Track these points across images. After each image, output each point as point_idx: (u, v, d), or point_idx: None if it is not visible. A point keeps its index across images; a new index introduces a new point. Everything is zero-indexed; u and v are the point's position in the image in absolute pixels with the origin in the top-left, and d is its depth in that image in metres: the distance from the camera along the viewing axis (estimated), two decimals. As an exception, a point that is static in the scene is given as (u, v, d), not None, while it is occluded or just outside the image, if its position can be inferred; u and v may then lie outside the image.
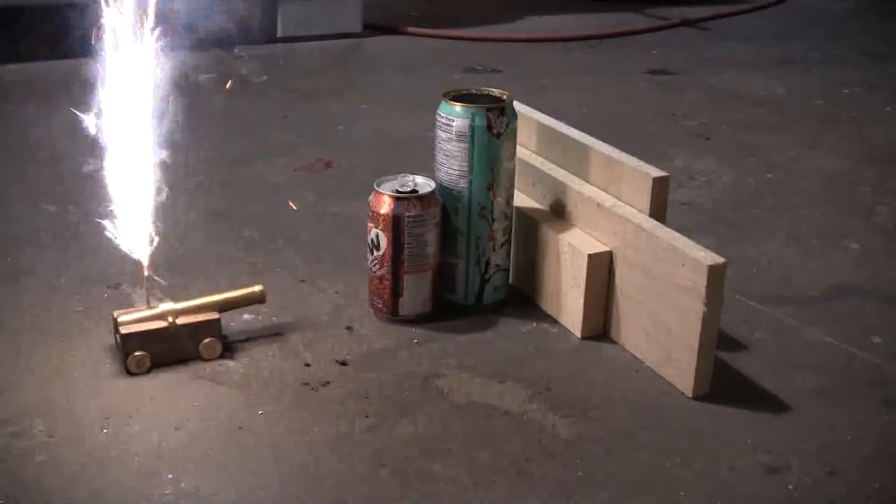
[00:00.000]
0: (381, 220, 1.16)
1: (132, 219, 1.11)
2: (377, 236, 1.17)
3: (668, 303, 1.06)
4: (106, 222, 1.11)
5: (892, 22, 3.20)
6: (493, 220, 1.20)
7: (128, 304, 1.22)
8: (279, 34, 2.63)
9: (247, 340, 1.15)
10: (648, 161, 1.16)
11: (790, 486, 0.92)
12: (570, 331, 1.18)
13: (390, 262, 1.17)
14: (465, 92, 1.21)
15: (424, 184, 1.19)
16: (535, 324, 1.21)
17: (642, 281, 1.10)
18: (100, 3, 1.02)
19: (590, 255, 1.13)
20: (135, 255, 1.13)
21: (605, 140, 1.23)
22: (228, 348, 1.12)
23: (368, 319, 1.21)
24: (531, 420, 1.02)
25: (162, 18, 1.05)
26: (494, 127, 1.15)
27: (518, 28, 2.94)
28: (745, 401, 1.06)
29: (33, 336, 1.15)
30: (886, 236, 1.48)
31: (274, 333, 1.17)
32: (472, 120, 1.15)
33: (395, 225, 1.15)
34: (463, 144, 1.16)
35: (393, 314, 1.19)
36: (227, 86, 2.23)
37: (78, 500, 0.89)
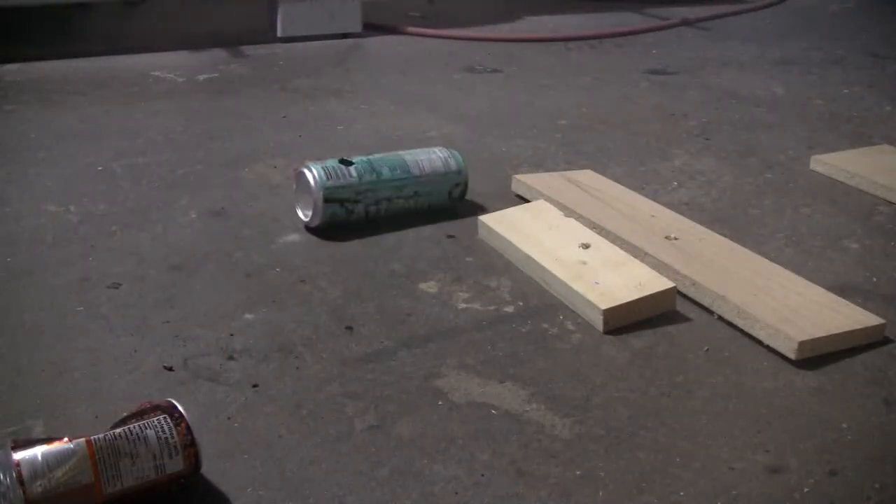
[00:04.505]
0: None
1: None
2: None
3: None
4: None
5: (892, 22, 3.20)
6: None
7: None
8: (279, 34, 2.63)
9: (246, 340, 1.15)
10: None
11: (790, 486, 0.92)
12: (569, 330, 1.19)
13: None
14: None
15: None
16: (535, 324, 1.21)
17: None
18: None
19: None
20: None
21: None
22: (229, 348, 1.12)
23: (369, 319, 1.21)
24: (531, 420, 1.02)
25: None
26: None
27: (518, 28, 2.94)
28: (745, 401, 1.06)
29: (33, 336, 1.15)
30: (886, 236, 1.48)
31: (274, 333, 1.17)
32: None
33: None
34: None
35: None
36: None
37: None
